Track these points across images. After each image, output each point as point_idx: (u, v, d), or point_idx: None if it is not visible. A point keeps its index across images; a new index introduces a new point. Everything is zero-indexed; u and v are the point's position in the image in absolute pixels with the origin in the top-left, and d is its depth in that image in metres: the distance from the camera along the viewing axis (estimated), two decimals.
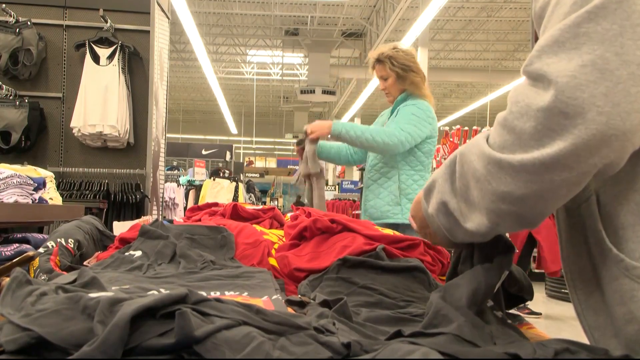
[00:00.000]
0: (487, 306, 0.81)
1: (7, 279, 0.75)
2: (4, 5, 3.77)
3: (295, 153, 2.78)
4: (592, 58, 0.60)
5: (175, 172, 8.36)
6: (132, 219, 3.51)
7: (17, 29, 3.74)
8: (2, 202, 2.10)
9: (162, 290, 0.77)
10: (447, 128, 7.85)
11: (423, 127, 2.48)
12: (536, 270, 5.66)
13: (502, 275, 0.81)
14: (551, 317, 5.28)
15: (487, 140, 0.70)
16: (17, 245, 1.86)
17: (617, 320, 0.70)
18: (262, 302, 0.84)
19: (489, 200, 0.70)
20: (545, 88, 0.63)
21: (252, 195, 9.75)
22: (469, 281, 0.77)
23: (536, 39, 0.70)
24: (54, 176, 2.82)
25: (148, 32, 3.99)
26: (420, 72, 2.56)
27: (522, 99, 0.65)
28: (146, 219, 1.84)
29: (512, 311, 1.03)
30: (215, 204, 1.74)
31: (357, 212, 6.90)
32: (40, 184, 2.36)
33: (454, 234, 0.80)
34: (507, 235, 0.84)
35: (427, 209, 0.84)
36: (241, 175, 11.23)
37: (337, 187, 13.89)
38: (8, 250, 1.80)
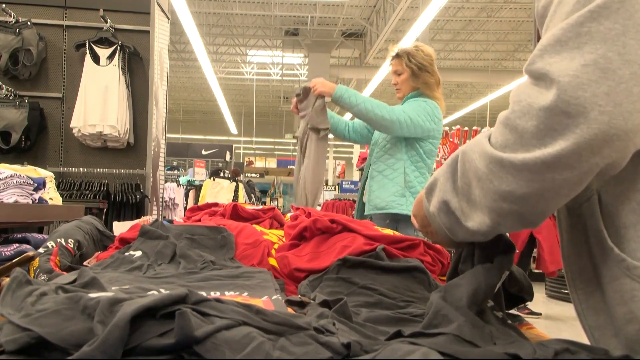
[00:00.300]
0: (487, 306, 0.81)
1: (7, 279, 0.75)
2: (4, 5, 3.77)
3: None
4: (594, 57, 0.60)
5: (175, 172, 8.36)
6: (132, 219, 3.51)
7: (17, 29, 3.74)
8: (2, 202, 2.10)
9: (162, 291, 0.77)
10: (447, 128, 7.85)
11: (426, 120, 2.48)
12: (536, 271, 5.66)
13: (503, 276, 0.81)
14: (551, 317, 5.28)
15: (489, 140, 0.70)
16: (17, 245, 1.86)
17: (618, 320, 0.70)
18: (262, 302, 0.84)
19: (491, 199, 0.70)
20: (548, 87, 0.63)
21: (253, 196, 9.73)
22: (469, 281, 0.77)
23: (539, 38, 0.70)
24: (54, 176, 2.82)
25: (148, 32, 3.99)
26: (436, 75, 2.58)
27: (524, 98, 0.65)
28: (146, 219, 1.84)
29: (512, 311, 1.03)
30: (215, 204, 1.74)
31: None
32: (40, 184, 2.36)
33: (455, 233, 0.80)
34: (508, 235, 0.84)
35: (429, 208, 0.84)
36: (241, 175, 11.22)
37: (337, 187, 13.88)
38: (8, 250, 1.80)
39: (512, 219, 0.70)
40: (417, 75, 2.55)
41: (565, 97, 0.61)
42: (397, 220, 2.52)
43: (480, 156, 0.70)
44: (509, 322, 0.81)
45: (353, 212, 3.03)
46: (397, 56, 2.59)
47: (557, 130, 0.62)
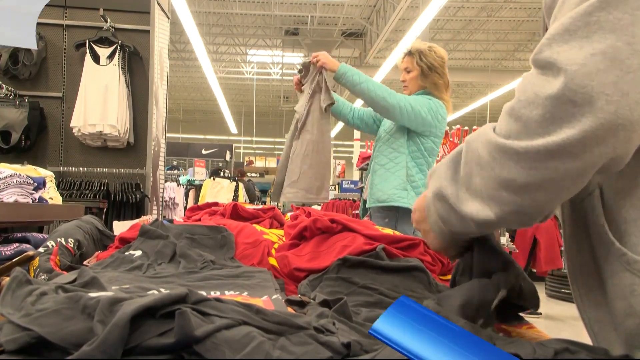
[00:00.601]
0: (478, 326, 0.78)
1: (7, 279, 0.75)
2: None
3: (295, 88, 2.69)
4: (602, 47, 0.60)
5: (175, 171, 8.36)
6: (132, 218, 3.51)
7: None
8: (2, 201, 2.10)
9: (162, 290, 0.77)
10: (447, 127, 7.84)
11: (428, 113, 2.48)
12: (534, 270, 5.67)
13: (500, 294, 0.78)
14: (551, 317, 5.29)
15: (493, 130, 0.70)
16: (17, 244, 1.86)
17: (617, 313, 0.70)
18: (262, 301, 0.84)
19: (491, 188, 0.69)
20: (555, 76, 0.62)
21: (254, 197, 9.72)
22: (461, 293, 0.77)
23: (546, 30, 0.70)
24: (54, 176, 2.82)
25: (148, 31, 4.00)
26: (445, 78, 2.58)
27: (530, 87, 0.65)
28: (146, 219, 1.84)
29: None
30: (215, 204, 1.74)
31: (356, 212, 6.90)
32: (40, 184, 2.36)
33: (449, 222, 0.79)
34: (516, 233, 0.83)
35: (428, 194, 0.84)
36: (246, 176, 11.22)
37: (337, 187, 13.87)
38: (8, 249, 1.80)
39: (510, 210, 0.69)
40: (426, 74, 2.55)
41: (572, 86, 0.60)
42: (397, 214, 2.53)
43: (483, 145, 0.70)
44: (501, 335, 0.79)
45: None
46: (409, 53, 2.60)
47: (562, 119, 0.61)
